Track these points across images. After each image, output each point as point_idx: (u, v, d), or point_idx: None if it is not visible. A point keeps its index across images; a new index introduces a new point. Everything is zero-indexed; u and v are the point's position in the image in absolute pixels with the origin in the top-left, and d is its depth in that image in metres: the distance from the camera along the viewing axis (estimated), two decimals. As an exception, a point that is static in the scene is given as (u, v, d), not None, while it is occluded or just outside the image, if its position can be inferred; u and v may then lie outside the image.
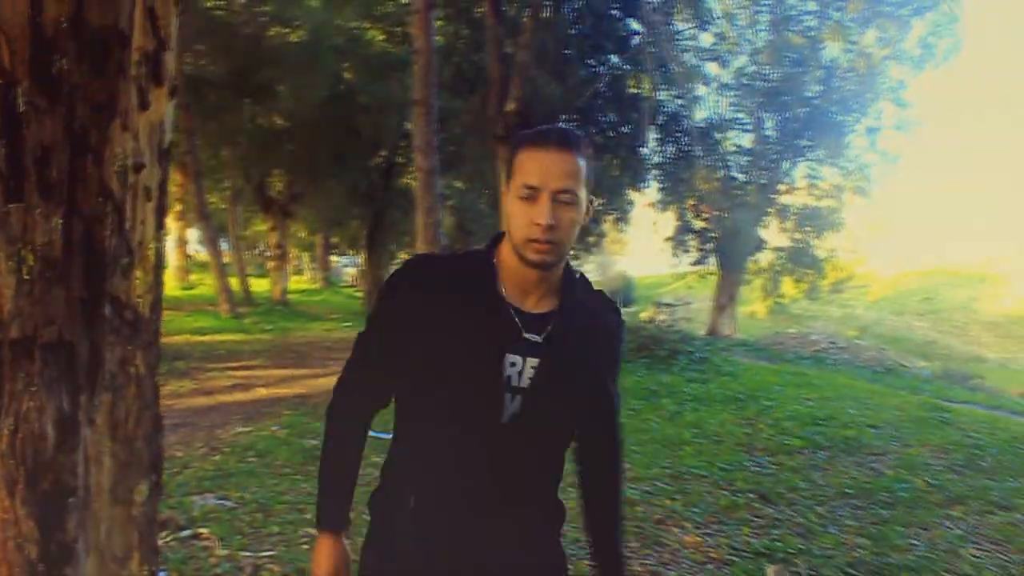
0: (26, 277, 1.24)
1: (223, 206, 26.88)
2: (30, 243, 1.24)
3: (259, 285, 27.77)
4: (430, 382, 1.53)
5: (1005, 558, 4.36)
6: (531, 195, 1.44)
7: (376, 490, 1.64)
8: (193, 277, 30.24)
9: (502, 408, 1.51)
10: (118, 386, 1.41)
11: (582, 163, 1.46)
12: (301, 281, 42.41)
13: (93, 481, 1.35)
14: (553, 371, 1.52)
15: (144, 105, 1.41)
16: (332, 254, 43.65)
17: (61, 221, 1.26)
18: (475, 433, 1.52)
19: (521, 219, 1.46)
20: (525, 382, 1.52)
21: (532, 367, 1.52)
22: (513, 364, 1.51)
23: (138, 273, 1.43)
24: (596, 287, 1.70)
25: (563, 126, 1.56)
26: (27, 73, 1.23)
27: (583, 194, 1.47)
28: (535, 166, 1.44)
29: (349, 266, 49.12)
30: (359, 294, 31.48)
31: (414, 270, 1.61)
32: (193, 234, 34.09)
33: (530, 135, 1.50)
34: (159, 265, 1.51)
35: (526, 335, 1.52)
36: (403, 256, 36.24)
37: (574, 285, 1.60)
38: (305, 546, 4.14)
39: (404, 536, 1.57)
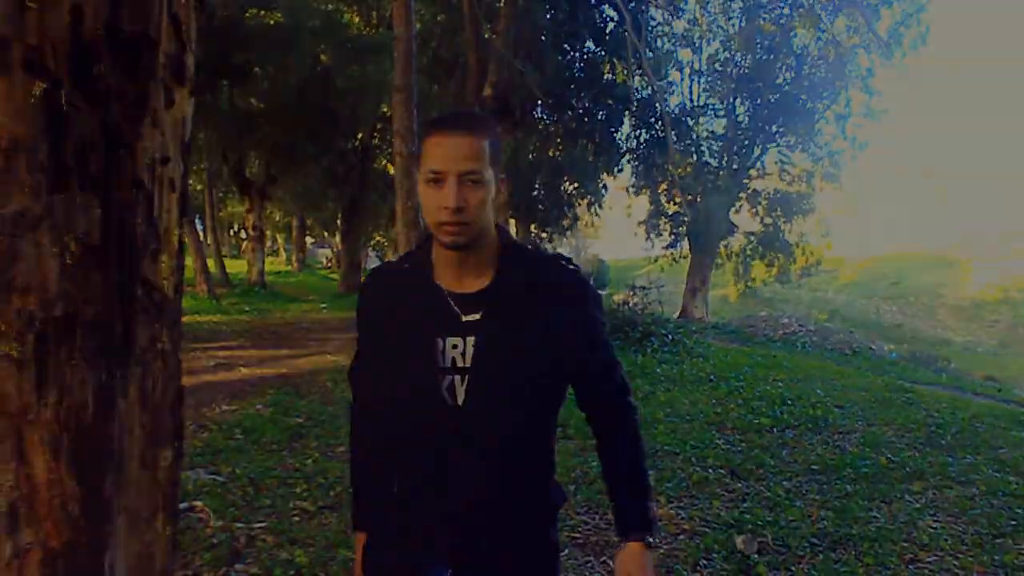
0: (68, 262, 1.31)
1: (199, 187, 26.65)
2: (72, 231, 1.32)
3: (233, 266, 27.62)
4: (386, 376, 1.64)
5: (960, 529, 4.56)
6: (437, 179, 1.48)
7: None
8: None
9: (449, 391, 1.56)
10: (147, 361, 1.50)
11: (485, 144, 1.50)
12: (277, 263, 42.13)
13: (125, 447, 1.47)
14: (489, 346, 1.55)
15: (170, 103, 1.50)
16: (308, 236, 43.42)
17: (99, 211, 1.35)
18: (427, 418, 1.57)
19: (431, 204, 1.50)
20: (469, 362, 1.55)
21: (472, 346, 1.55)
22: (455, 346, 1.56)
23: (164, 258, 1.53)
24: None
25: (468, 110, 1.64)
26: (68, 76, 1.31)
27: (489, 174, 1.51)
28: (439, 151, 1.48)
29: (324, 247, 48.85)
30: (335, 276, 31.37)
31: (367, 285, 1.75)
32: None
33: (435, 122, 1.55)
34: (181, 250, 1.63)
35: (466, 317, 1.57)
36: (379, 237, 36.17)
37: (513, 259, 1.62)
38: (296, 518, 4.31)
39: (389, 518, 1.69)
